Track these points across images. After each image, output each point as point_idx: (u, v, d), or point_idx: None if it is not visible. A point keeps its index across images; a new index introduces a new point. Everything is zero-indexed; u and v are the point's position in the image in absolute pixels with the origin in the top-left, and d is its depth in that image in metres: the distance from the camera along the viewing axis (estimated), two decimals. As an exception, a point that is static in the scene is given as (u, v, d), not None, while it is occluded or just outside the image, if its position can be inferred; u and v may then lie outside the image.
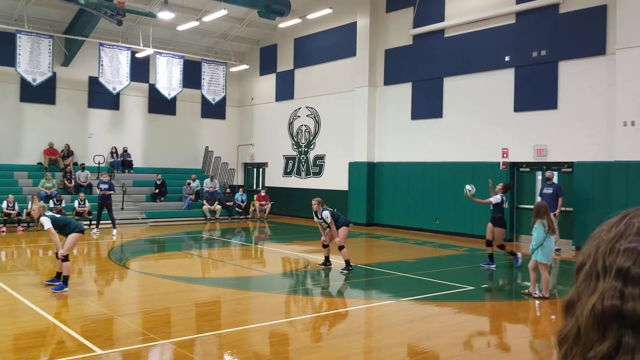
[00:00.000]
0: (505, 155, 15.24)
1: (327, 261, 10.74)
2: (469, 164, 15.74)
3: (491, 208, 10.98)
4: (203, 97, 22.73)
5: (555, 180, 13.67)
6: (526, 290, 8.62)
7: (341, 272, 10.24)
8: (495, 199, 10.89)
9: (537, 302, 8.24)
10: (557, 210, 12.70)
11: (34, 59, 18.64)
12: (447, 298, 8.69)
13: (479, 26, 15.92)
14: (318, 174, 21.34)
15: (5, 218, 16.39)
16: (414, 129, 17.67)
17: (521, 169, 15.25)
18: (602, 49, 13.27)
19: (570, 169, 13.94)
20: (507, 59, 15.21)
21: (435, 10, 17.05)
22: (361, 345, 6.33)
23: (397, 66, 18.26)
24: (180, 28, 20.42)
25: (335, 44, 20.44)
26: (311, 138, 21.66)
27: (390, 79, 18.49)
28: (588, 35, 13.55)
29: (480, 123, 15.78)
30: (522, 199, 15.20)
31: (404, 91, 18.00)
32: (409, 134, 17.79)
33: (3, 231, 16.04)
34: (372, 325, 7.36)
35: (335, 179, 20.24)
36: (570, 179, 13.79)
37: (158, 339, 6.15)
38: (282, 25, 20.74)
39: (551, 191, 13.03)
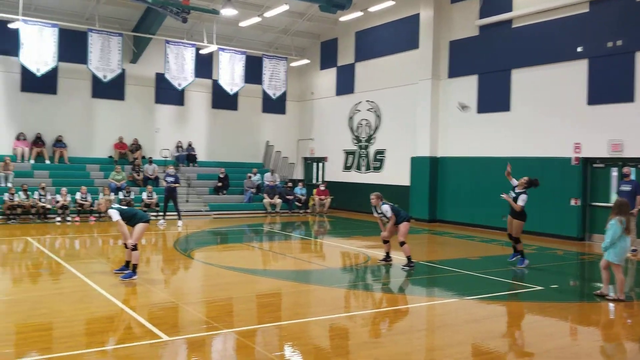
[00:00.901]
0: (577, 150, 14.52)
1: (387, 257, 10.61)
2: (538, 159, 15.12)
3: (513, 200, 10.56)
4: (264, 92, 22.98)
5: (632, 176, 12.90)
6: (599, 292, 8.18)
7: (402, 268, 10.08)
8: (522, 200, 10.45)
9: (610, 304, 7.79)
10: (636, 209, 11.98)
11: (104, 56, 19.43)
12: (514, 298, 8.37)
13: (550, 16, 15.23)
14: (379, 168, 21.14)
15: (78, 208, 17.25)
16: (479, 122, 17.16)
17: (595, 165, 14.48)
18: (686, 36, 12.38)
19: (648, 165, 13.12)
20: (579, 49, 14.47)
21: (502, 0, 16.45)
22: (423, 343, 6.18)
23: (462, 58, 17.77)
24: (243, 24, 20.71)
25: (398, 37, 20.12)
26: (372, 132, 21.47)
27: (455, 71, 18.02)
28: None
29: (550, 116, 15.11)
30: (596, 197, 14.44)
31: (469, 84, 17.50)
32: (474, 128, 17.29)
33: (77, 221, 16.88)
34: (434, 323, 7.17)
35: (396, 173, 19.97)
36: (648, 176, 12.97)
37: (221, 327, 6.25)
38: (343, 18, 20.62)
39: (629, 188, 12.29)
